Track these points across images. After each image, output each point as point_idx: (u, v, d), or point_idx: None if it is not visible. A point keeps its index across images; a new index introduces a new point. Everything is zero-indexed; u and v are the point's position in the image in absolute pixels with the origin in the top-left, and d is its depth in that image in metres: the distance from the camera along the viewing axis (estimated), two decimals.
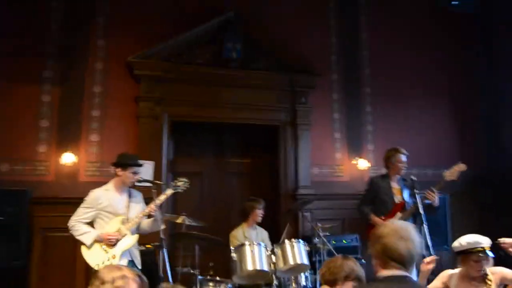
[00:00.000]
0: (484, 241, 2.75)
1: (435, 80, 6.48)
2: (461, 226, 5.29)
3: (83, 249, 3.52)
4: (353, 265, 2.53)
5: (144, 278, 1.84)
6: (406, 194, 4.34)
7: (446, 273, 3.00)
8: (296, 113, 5.71)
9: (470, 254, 2.74)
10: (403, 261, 1.89)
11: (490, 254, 2.74)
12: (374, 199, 4.47)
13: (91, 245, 3.49)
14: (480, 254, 2.71)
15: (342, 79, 6.11)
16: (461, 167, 4.13)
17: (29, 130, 4.75)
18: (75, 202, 3.71)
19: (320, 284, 2.43)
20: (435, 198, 4.11)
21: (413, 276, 1.97)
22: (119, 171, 3.65)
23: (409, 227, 1.97)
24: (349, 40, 6.23)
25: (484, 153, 6.40)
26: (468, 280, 2.81)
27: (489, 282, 2.73)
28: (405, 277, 1.89)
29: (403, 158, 4.38)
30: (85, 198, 3.63)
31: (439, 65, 6.54)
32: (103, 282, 1.75)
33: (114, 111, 5.06)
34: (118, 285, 1.74)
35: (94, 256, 3.48)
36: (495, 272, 2.82)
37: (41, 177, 4.71)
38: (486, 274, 2.75)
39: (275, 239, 4.57)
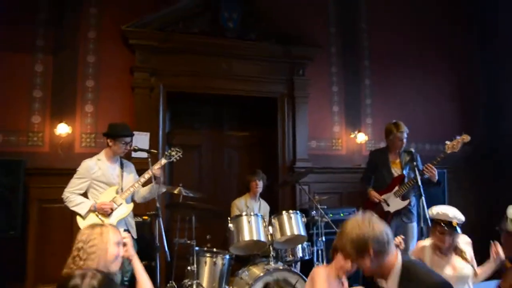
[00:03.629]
0: (454, 216, 2.69)
1: (435, 54, 6.38)
2: (459, 201, 5.28)
3: (79, 220, 3.51)
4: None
5: None
6: (406, 167, 4.28)
7: (419, 245, 2.97)
8: (294, 85, 5.61)
9: (436, 225, 2.74)
10: (391, 241, 1.93)
11: (458, 230, 2.68)
12: (374, 172, 4.44)
13: (86, 215, 3.48)
14: (445, 228, 2.67)
15: (340, 52, 6.01)
16: (464, 138, 3.84)
17: (22, 101, 4.64)
18: (72, 173, 3.67)
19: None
20: (434, 173, 3.94)
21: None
22: (110, 141, 3.62)
23: (364, 215, 1.99)
24: (348, 12, 6.09)
25: (484, 128, 6.35)
26: (439, 252, 2.78)
27: (463, 254, 2.71)
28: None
29: (402, 135, 4.23)
30: (78, 169, 3.61)
31: (439, 39, 6.42)
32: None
33: (109, 81, 4.95)
34: (92, 244, 1.89)
35: None
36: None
37: (35, 148, 4.64)
38: (456, 247, 2.74)
39: (274, 211, 4.56)
